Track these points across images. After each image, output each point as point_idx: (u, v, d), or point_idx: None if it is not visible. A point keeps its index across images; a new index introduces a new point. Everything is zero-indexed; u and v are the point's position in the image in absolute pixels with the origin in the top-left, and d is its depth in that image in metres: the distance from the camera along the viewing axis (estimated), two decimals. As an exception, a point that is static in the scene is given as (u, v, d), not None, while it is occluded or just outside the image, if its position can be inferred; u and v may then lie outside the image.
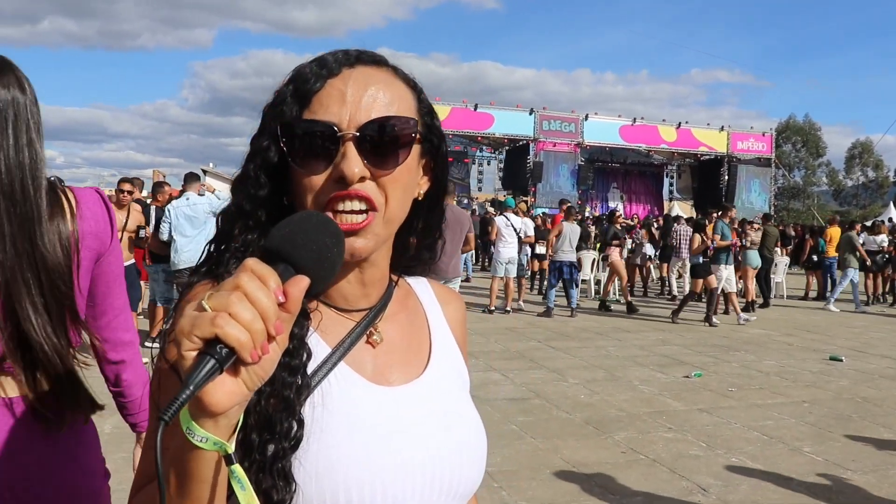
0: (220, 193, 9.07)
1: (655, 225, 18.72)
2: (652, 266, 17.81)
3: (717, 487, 4.66)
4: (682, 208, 32.09)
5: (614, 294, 15.27)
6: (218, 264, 0.94)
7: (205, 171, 46.98)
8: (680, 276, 15.88)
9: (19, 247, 1.50)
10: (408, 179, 0.96)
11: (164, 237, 8.44)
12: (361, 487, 0.88)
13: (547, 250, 13.23)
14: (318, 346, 0.93)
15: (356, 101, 0.91)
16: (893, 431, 5.99)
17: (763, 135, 33.56)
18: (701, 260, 12.09)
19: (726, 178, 32.15)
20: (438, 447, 0.97)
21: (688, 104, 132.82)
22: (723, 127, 32.69)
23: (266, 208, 0.94)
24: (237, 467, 0.72)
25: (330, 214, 0.89)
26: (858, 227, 17.21)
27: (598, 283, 16.01)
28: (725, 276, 12.37)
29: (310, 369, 0.90)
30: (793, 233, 23.50)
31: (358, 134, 0.90)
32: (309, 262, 0.75)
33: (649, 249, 17.17)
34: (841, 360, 9.09)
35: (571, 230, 12.65)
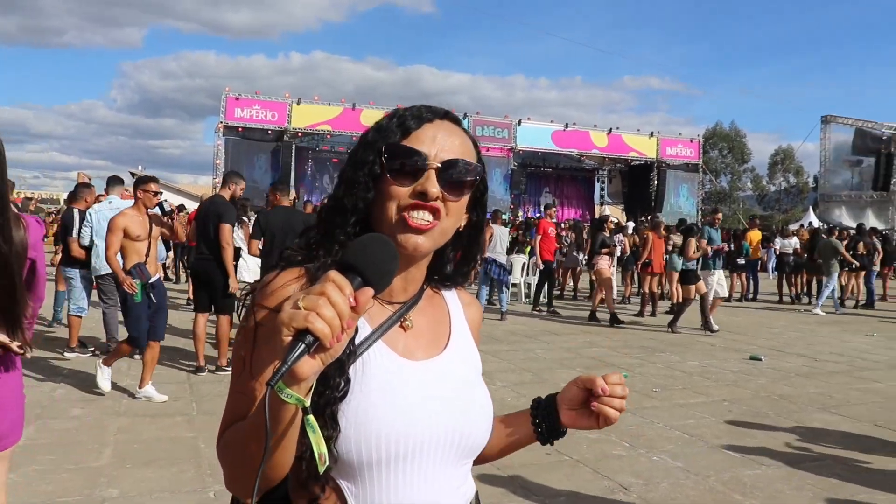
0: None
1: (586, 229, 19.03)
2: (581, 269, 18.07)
3: (638, 486, 4.76)
4: (612, 213, 32.71)
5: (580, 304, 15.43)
6: (325, 250, 1.22)
7: (133, 174, 45.94)
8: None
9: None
10: (461, 209, 1.26)
11: (86, 242, 8.20)
12: (389, 435, 1.14)
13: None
14: (364, 327, 1.20)
15: (442, 144, 1.22)
16: (806, 427, 6.22)
17: (691, 141, 34.38)
18: (694, 265, 11.76)
19: (656, 182, 32.84)
20: (451, 408, 1.23)
21: (620, 110, 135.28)
22: (652, 133, 33.38)
23: (364, 211, 1.23)
24: (311, 417, 0.98)
25: (405, 215, 1.18)
26: (838, 232, 17.81)
27: (528, 286, 16.16)
28: (717, 281, 12.16)
29: (356, 342, 1.17)
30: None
31: (440, 166, 1.20)
32: (374, 276, 1.01)
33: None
34: (760, 360, 9.39)
35: (501, 233, 12.82)
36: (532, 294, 15.05)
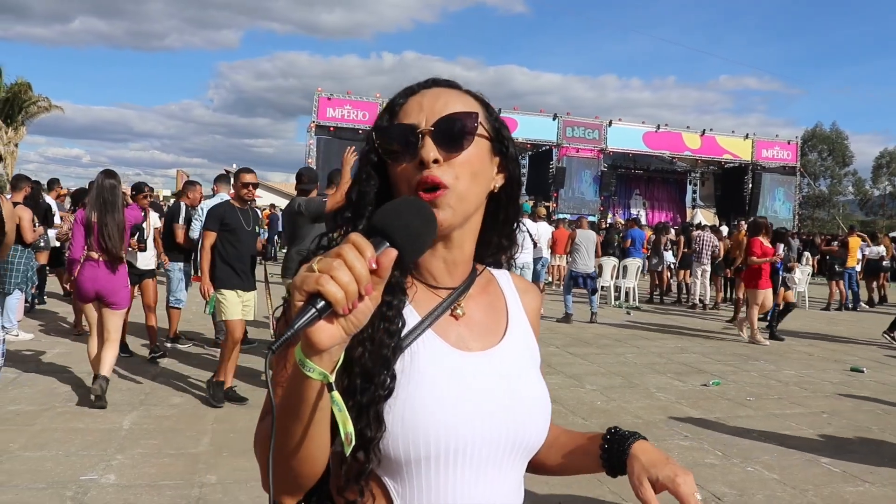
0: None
1: (673, 232, 18.72)
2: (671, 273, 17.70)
3: (731, 496, 4.63)
4: (704, 216, 31.98)
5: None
6: (331, 243, 1.15)
7: (227, 172, 47.40)
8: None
9: None
10: (477, 166, 1.16)
11: (194, 235, 8.55)
12: (438, 430, 1.07)
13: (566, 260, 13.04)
14: (411, 315, 1.14)
15: (430, 108, 1.14)
16: (913, 444, 5.93)
17: (788, 143, 33.30)
18: None
19: (750, 186, 31.93)
20: (507, 403, 1.15)
21: (714, 111, 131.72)
22: (747, 135, 32.48)
23: (376, 201, 1.14)
24: (336, 393, 0.91)
25: (420, 193, 1.10)
26: None
27: (617, 289, 15.94)
28: None
29: (403, 334, 1.11)
30: (818, 241, 23.41)
31: (433, 128, 1.12)
32: (400, 237, 0.92)
33: (669, 256, 17.08)
34: (862, 372, 9.00)
35: (585, 238, 12.53)
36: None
